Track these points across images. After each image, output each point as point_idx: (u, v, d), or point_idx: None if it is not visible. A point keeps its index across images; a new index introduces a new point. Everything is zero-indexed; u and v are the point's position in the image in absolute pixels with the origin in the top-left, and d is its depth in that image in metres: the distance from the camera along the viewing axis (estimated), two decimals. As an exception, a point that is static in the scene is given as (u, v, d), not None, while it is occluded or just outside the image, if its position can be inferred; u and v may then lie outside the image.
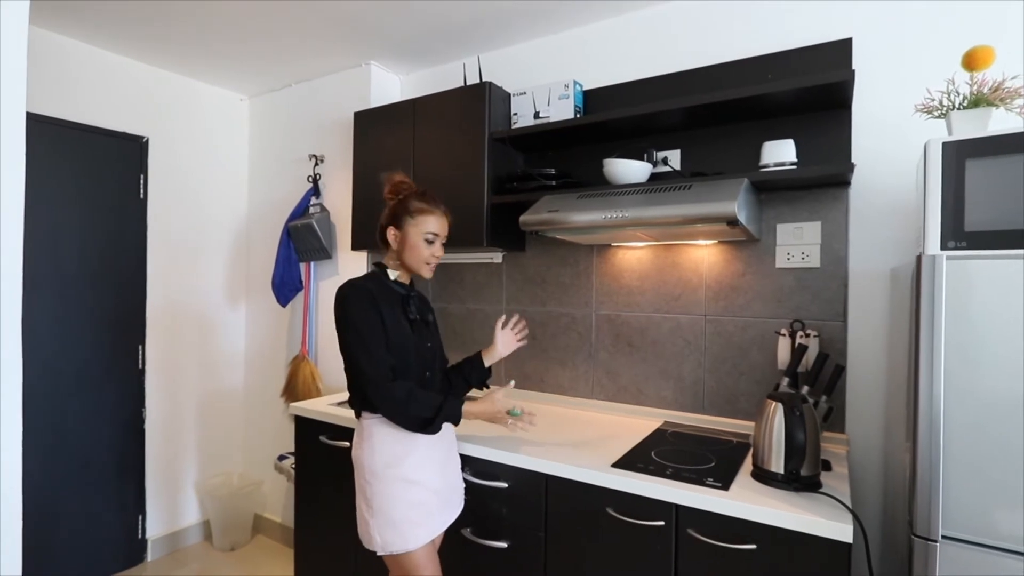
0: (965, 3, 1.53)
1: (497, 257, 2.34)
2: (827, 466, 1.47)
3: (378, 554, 1.42)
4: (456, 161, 2.11)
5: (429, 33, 2.27)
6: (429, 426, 1.39)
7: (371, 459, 1.43)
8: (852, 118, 1.65)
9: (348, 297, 1.42)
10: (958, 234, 1.11)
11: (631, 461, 1.51)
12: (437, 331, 1.66)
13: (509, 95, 2.15)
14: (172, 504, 2.77)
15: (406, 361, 1.45)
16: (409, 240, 1.48)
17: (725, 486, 1.33)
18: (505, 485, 1.60)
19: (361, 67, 2.58)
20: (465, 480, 1.61)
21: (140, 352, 2.63)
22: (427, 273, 1.52)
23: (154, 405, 2.68)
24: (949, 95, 1.26)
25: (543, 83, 2.14)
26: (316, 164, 2.70)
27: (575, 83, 2.03)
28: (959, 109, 1.24)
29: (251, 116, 3.08)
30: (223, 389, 2.99)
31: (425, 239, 1.48)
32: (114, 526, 2.54)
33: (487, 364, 1.71)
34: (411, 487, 1.41)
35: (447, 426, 1.53)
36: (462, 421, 1.47)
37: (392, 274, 1.53)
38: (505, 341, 1.75)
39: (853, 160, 1.64)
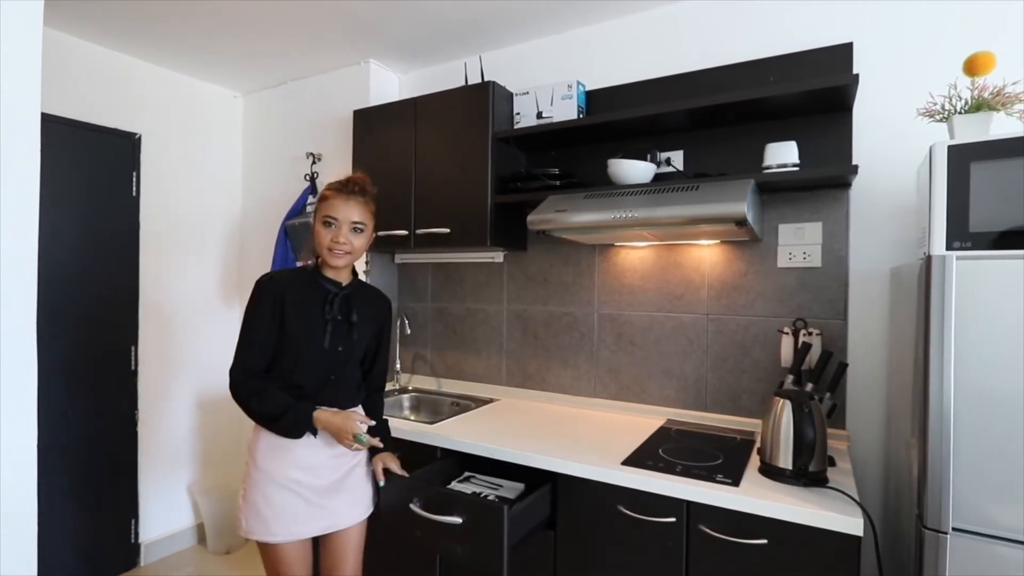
0: (963, 9, 1.57)
1: (498, 256, 2.34)
2: (831, 462, 1.50)
3: (249, 538, 1.43)
4: (459, 160, 2.11)
5: (430, 32, 2.26)
6: (275, 423, 1.38)
7: (255, 446, 1.44)
8: (853, 120, 1.69)
9: (253, 291, 1.45)
10: (963, 235, 1.14)
11: (640, 459, 1.52)
12: (369, 331, 1.55)
13: (512, 95, 2.16)
14: (166, 507, 2.73)
15: (304, 360, 1.43)
16: (314, 227, 1.46)
17: (735, 482, 1.35)
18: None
19: (360, 65, 2.56)
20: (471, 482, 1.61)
21: (133, 353, 2.58)
22: (333, 260, 1.44)
23: (147, 407, 2.63)
24: (951, 99, 1.30)
25: (546, 83, 2.15)
26: (314, 162, 2.68)
27: (578, 83, 2.05)
28: (961, 113, 1.27)
29: (245, 113, 3.04)
30: (217, 390, 2.95)
31: (323, 221, 1.44)
32: (106, 530, 2.49)
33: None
34: (289, 483, 1.41)
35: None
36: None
37: (325, 270, 1.50)
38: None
39: (854, 162, 1.67)
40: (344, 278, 1.52)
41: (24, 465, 0.93)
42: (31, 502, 0.95)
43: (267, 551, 1.43)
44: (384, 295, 1.64)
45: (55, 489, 2.30)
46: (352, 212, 1.44)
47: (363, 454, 1.55)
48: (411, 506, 1.42)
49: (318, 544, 1.53)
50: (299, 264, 2.67)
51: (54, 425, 2.30)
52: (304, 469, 1.42)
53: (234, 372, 1.43)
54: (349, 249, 1.45)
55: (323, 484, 1.44)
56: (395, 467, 1.52)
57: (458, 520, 1.37)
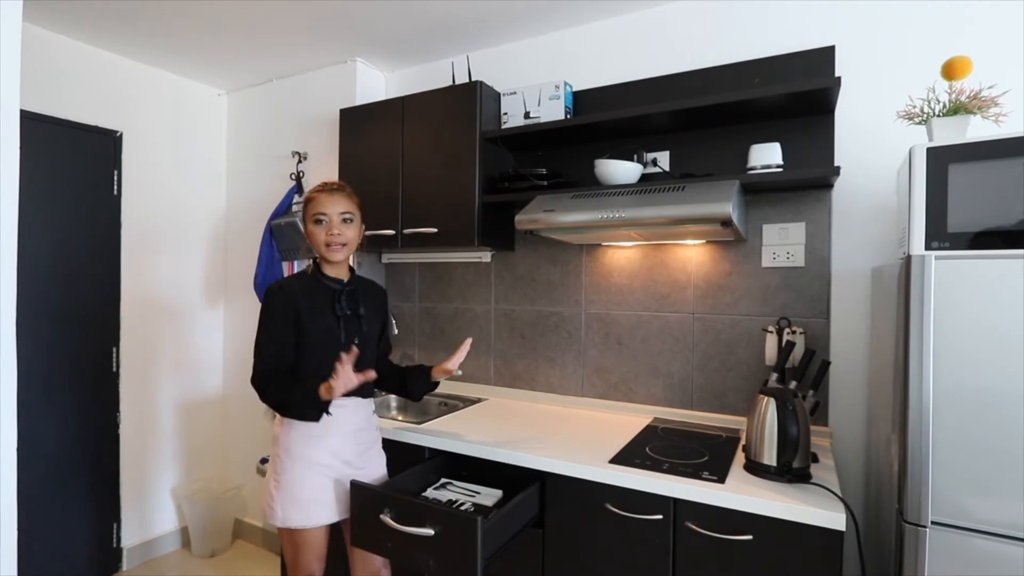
0: (942, 14, 1.61)
1: (486, 256, 2.34)
2: (814, 458, 1.52)
3: (276, 526, 1.49)
4: (447, 160, 2.11)
5: (417, 30, 2.25)
6: (288, 408, 1.45)
7: (287, 437, 1.49)
8: (835, 123, 1.72)
9: (266, 299, 1.50)
10: (941, 235, 1.17)
11: (628, 457, 1.53)
12: (377, 322, 1.65)
13: (499, 94, 2.16)
14: (148, 511, 2.69)
15: (325, 356, 1.47)
16: (307, 229, 1.52)
17: (721, 479, 1.37)
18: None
19: (346, 63, 2.55)
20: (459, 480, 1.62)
21: (114, 354, 2.54)
22: (333, 256, 1.51)
23: (129, 409, 2.59)
24: (929, 103, 1.33)
25: (533, 83, 2.15)
26: (299, 161, 2.66)
27: (565, 84, 2.05)
28: (939, 116, 1.30)
29: (230, 111, 3.00)
30: (201, 391, 2.92)
31: (315, 220, 1.50)
32: (88, 535, 2.45)
33: (435, 379, 1.66)
34: (322, 469, 1.48)
35: (370, 423, 1.61)
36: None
37: (326, 269, 1.56)
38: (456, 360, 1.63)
39: (836, 163, 1.70)
40: (344, 274, 1.58)
41: (3, 468, 0.91)
42: (10, 505, 0.93)
43: (295, 537, 1.48)
44: (378, 284, 1.74)
45: (35, 492, 2.26)
46: (339, 204, 1.51)
47: (377, 441, 1.65)
48: (382, 517, 1.37)
49: (337, 536, 1.59)
50: (284, 265, 2.65)
51: (34, 427, 2.25)
52: (334, 455, 1.50)
53: (254, 380, 1.47)
54: (344, 241, 1.51)
55: (350, 472, 1.52)
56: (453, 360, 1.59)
57: (430, 532, 1.32)
